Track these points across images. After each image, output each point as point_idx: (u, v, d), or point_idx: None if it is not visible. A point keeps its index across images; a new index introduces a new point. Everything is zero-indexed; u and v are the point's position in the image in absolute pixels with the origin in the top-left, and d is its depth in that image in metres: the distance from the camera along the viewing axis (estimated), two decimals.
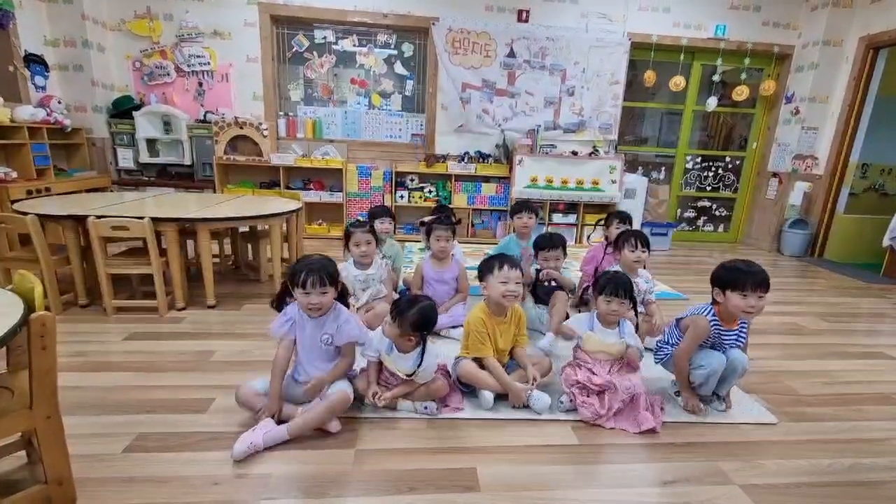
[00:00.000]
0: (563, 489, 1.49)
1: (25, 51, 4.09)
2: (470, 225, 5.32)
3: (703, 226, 6.13)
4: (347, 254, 2.64)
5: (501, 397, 1.92)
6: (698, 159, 5.85)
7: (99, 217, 2.53)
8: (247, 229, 3.57)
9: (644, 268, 2.62)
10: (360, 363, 1.91)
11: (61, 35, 4.34)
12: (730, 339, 1.89)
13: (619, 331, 1.96)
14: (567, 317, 2.50)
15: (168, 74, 4.79)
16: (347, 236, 2.60)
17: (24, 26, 4.06)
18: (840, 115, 4.94)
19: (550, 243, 2.65)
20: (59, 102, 4.25)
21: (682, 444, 1.74)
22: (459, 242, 3.42)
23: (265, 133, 4.73)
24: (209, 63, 4.80)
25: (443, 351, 2.09)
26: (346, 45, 4.99)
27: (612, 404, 1.82)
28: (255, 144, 4.75)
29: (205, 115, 4.83)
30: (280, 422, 1.66)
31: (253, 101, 4.95)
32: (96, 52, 4.46)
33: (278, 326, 1.76)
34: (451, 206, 4.89)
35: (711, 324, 1.84)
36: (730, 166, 5.90)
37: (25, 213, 2.50)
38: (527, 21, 4.96)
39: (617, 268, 2.59)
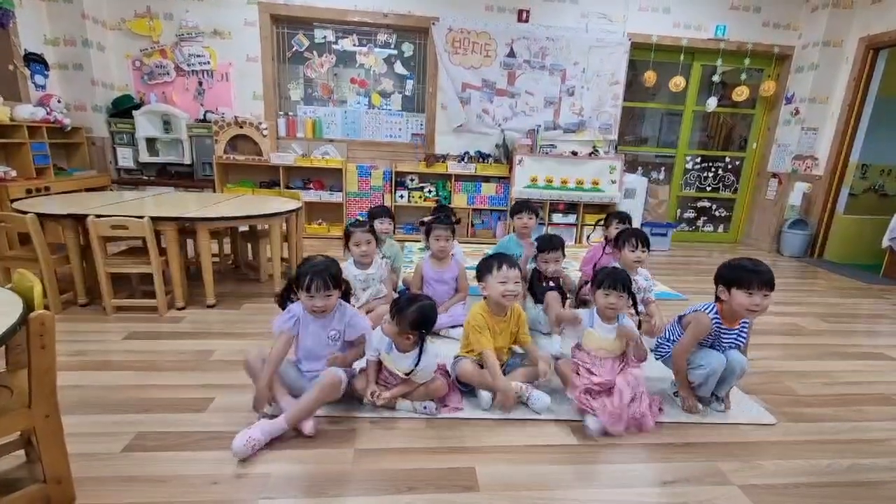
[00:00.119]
0: (562, 489, 1.49)
1: (25, 50, 4.09)
2: (470, 225, 5.32)
3: (703, 226, 6.14)
4: (347, 253, 2.64)
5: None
6: (698, 160, 5.86)
7: (98, 216, 2.53)
8: (246, 229, 3.58)
9: (643, 267, 2.62)
10: (359, 363, 1.92)
11: (61, 34, 4.34)
12: (729, 339, 1.89)
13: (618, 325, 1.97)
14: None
15: (168, 74, 4.79)
16: (347, 236, 2.60)
17: (24, 25, 4.06)
18: (840, 116, 4.94)
19: (551, 245, 2.65)
20: (59, 101, 4.25)
21: (681, 445, 1.74)
22: (459, 242, 3.42)
23: (265, 132, 4.73)
24: (209, 62, 4.80)
25: (442, 351, 2.09)
26: (346, 44, 4.99)
27: (620, 403, 1.81)
28: (255, 144, 4.75)
29: (205, 115, 4.83)
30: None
31: (253, 101, 4.95)
32: (96, 52, 4.46)
33: (282, 323, 1.77)
34: (450, 206, 4.89)
35: (713, 322, 1.83)
36: (729, 167, 5.90)
37: (25, 213, 2.50)
38: (527, 21, 4.97)
39: (616, 265, 2.59)
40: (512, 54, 5.03)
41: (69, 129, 4.28)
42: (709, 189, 5.97)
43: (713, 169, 5.90)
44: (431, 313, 1.77)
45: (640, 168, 5.80)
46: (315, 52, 4.98)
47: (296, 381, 1.79)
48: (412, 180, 5.23)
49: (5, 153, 3.82)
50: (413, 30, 4.99)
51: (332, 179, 5.10)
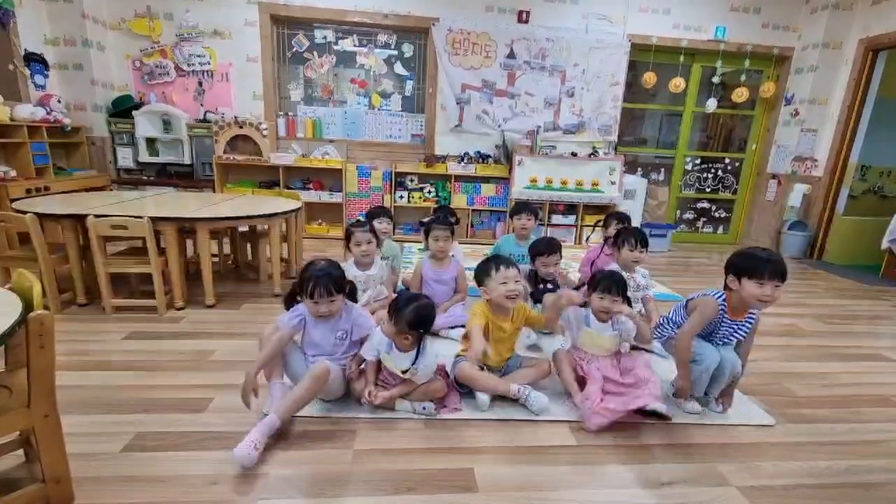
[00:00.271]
0: (560, 490, 1.49)
1: (25, 49, 4.09)
2: (469, 225, 5.32)
3: (703, 227, 6.14)
4: (348, 254, 2.65)
5: (497, 399, 1.92)
6: (698, 161, 5.86)
7: (98, 216, 2.53)
8: (246, 229, 3.58)
9: (641, 266, 2.64)
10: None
11: (61, 34, 4.34)
12: (727, 331, 1.86)
13: (613, 324, 1.99)
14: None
15: (168, 74, 4.79)
16: (348, 236, 2.60)
17: (24, 25, 4.06)
18: (840, 117, 4.95)
19: (549, 249, 2.65)
20: (59, 101, 4.25)
21: (679, 446, 1.75)
22: (459, 243, 3.42)
23: (265, 133, 4.73)
24: (209, 62, 4.80)
25: (441, 351, 2.09)
26: (346, 45, 4.99)
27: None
28: (255, 144, 4.75)
29: (204, 115, 4.83)
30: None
31: (253, 101, 4.95)
32: (96, 51, 4.46)
33: (287, 320, 1.79)
34: (450, 206, 4.89)
35: (720, 307, 1.80)
36: (729, 168, 5.90)
37: (24, 212, 2.50)
38: (527, 22, 4.97)
39: (614, 266, 2.60)
40: (512, 55, 5.04)
41: (69, 128, 4.28)
42: (708, 190, 5.97)
43: (713, 170, 5.90)
44: (429, 313, 1.76)
45: (639, 169, 5.81)
46: (315, 53, 4.98)
47: (299, 366, 1.79)
48: (412, 181, 5.23)
49: (5, 153, 3.82)
50: (413, 30, 4.99)
51: (332, 180, 5.10)
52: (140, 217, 2.54)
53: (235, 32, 4.75)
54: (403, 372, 1.76)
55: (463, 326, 2.24)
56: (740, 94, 5.26)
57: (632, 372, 1.92)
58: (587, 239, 5.12)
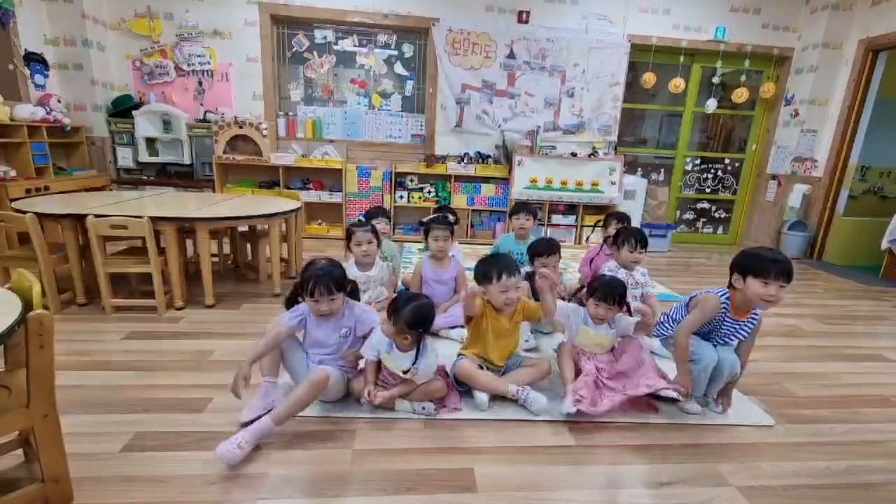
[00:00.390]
0: (559, 490, 1.49)
1: (25, 49, 4.09)
2: (469, 226, 5.32)
3: (703, 227, 6.14)
4: (349, 254, 2.64)
5: (497, 399, 1.92)
6: (698, 161, 5.86)
7: (98, 216, 2.52)
8: (246, 229, 3.57)
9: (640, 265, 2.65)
10: (360, 363, 1.92)
11: (61, 34, 4.34)
12: (729, 331, 1.85)
13: (610, 324, 2.02)
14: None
15: (168, 74, 4.79)
16: (349, 236, 2.60)
17: (24, 25, 4.06)
18: (839, 118, 4.95)
19: (548, 250, 2.65)
20: (59, 101, 4.25)
21: (679, 446, 1.75)
22: (459, 243, 3.42)
23: (265, 133, 4.73)
24: (209, 62, 4.80)
25: (441, 351, 2.09)
26: (346, 45, 4.99)
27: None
28: (255, 144, 4.75)
29: (204, 115, 4.83)
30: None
31: (253, 101, 4.95)
32: (96, 51, 4.46)
33: (287, 319, 1.79)
34: (450, 206, 4.88)
35: (722, 306, 1.79)
36: (729, 168, 5.90)
37: (24, 212, 2.49)
38: (527, 22, 4.97)
39: (612, 264, 2.61)
40: (512, 55, 5.04)
41: (69, 128, 4.28)
42: (708, 190, 5.97)
43: (713, 170, 5.90)
44: (429, 312, 1.76)
45: (639, 169, 5.81)
46: (315, 53, 4.99)
47: (299, 365, 1.79)
48: (412, 181, 5.23)
49: (5, 153, 3.82)
50: (413, 30, 4.99)
51: (332, 180, 5.10)
52: (140, 217, 2.54)
53: (235, 32, 4.75)
54: (404, 372, 1.76)
55: (463, 327, 2.25)
56: (740, 95, 5.26)
57: (623, 356, 1.97)
58: (587, 239, 5.13)
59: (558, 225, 5.26)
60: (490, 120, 5.20)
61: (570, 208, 5.32)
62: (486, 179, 5.24)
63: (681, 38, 5.16)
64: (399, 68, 5.13)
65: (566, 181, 5.12)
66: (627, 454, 1.69)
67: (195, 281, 2.94)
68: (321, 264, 1.76)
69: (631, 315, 2.07)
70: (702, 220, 6.11)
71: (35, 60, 4.17)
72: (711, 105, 5.32)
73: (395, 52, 5.08)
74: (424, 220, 2.90)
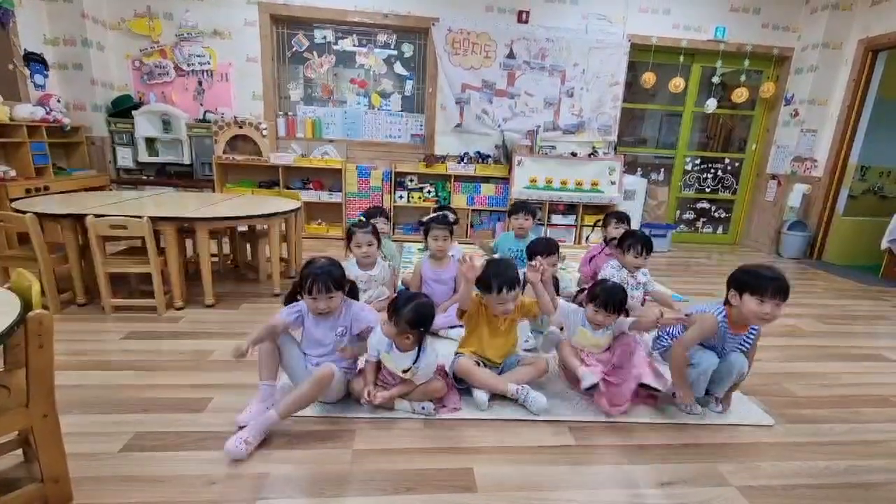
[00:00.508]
0: (559, 490, 1.49)
1: (25, 49, 4.09)
2: (469, 226, 5.32)
3: (703, 227, 6.14)
4: (349, 254, 2.65)
5: (497, 399, 1.92)
6: (697, 161, 5.86)
7: (97, 216, 2.52)
8: (246, 229, 3.57)
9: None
10: (360, 363, 1.92)
11: (61, 34, 4.34)
12: (733, 344, 1.86)
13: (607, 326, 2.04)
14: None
15: (167, 74, 4.79)
16: (349, 237, 2.60)
17: (23, 25, 4.05)
18: (839, 118, 4.95)
19: (547, 250, 2.65)
20: (59, 101, 4.25)
21: (679, 446, 1.75)
22: (459, 243, 3.42)
23: (264, 133, 4.73)
24: (209, 62, 4.80)
25: (441, 351, 2.09)
26: (346, 45, 4.99)
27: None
28: (255, 144, 4.75)
29: (204, 115, 4.83)
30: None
31: (252, 101, 4.95)
32: (96, 51, 4.46)
33: (285, 315, 1.80)
34: (451, 206, 4.88)
35: (720, 324, 1.79)
36: (729, 168, 5.90)
37: (24, 212, 2.49)
38: (527, 22, 4.97)
39: (615, 264, 2.61)
40: (512, 55, 5.04)
41: (69, 128, 4.28)
42: (708, 190, 5.97)
43: (712, 170, 5.90)
44: (429, 311, 1.76)
45: (639, 169, 5.81)
46: (315, 53, 4.98)
47: (297, 365, 1.80)
48: (412, 181, 5.23)
49: (5, 153, 3.82)
50: (413, 30, 4.99)
51: (332, 180, 5.10)
52: (139, 217, 2.54)
53: (235, 32, 4.75)
54: (404, 372, 1.76)
55: (462, 327, 2.24)
56: (740, 95, 5.26)
57: (617, 350, 1.98)
58: (587, 238, 5.13)
59: (558, 225, 5.25)
60: (490, 120, 5.20)
61: (570, 208, 5.32)
62: (486, 179, 5.24)
63: (681, 37, 5.16)
64: (399, 68, 5.12)
65: (566, 181, 5.12)
66: (627, 454, 1.69)
67: (195, 281, 2.94)
68: (320, 263, 1.77)
69: (628, 316, 2.07)
70: (702, 219, 6.11)
71: (35, 60, 4.17)
72: (711, 105, 5.32)
73: (395, 52, 5.08)
74: (424, 219, 2.90)
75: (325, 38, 4.94)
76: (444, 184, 5.22)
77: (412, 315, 1.70)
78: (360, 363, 1.92)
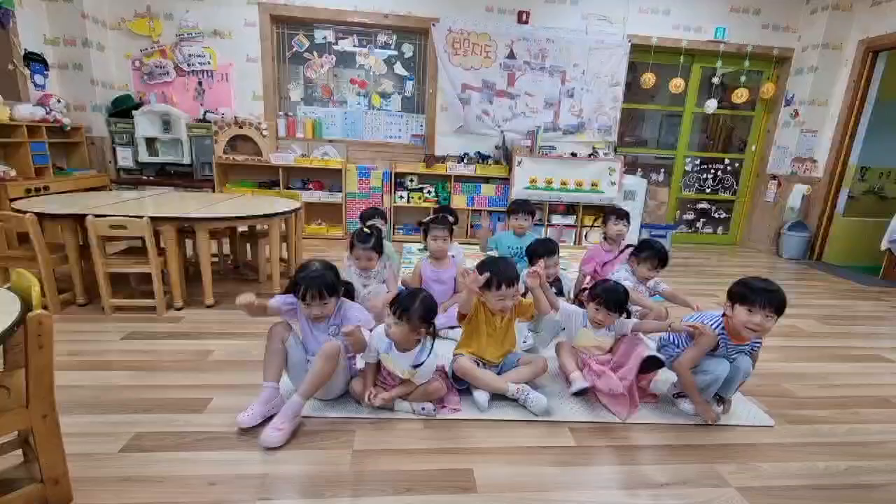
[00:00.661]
0: (559, 490, 1.49)
1: (25, 49, 4.09)
2: (469, 226, 5.32)
3: (703, 228, 6.14)
4: (349, 261, 2.65)
5: (497, 399, 1.92)
6: (697, 161, 5.86)
7: (97, 216, 2.52)
8: (246, 229, 3.57)
9: None
10: (359, 363, 1.92)
11: (61, 34, 4.34)
12: (738, 351, 1.85)
13: (608, 327, 2.03)
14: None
15: (168, 74, 4.79)
16: (351, 246, 2.59)
17: (23, 25, 4.06)
18: (839, 118, 4.95)
19: (547, 250, 2.65)
20: (59, 101, 4.25)
21: (678, 447, 1.75)
22: (459, 243, 3.42)
23: (265, 133, 4.73)
24: (209, 62, 4.80)
25: (441, 351, 2.09)
26: (346, 45, 4.99)
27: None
28: (255, 144, 4.75)
29: (204, 115, 4.83)
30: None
31: (253, 101, 4.95)
32: (96, 51, 4.46)
33: (280, 302, 1.81)
34: (450, 206, 4.89)
35: (719, 337, 1.80)
36: (729, 168, 5.90)
37: (24, 212, 2.49)
38: (527, 22, 4.97)
39: (626, 269, 2.60)
40: (512, 56, 5.04)
41: (68, 128, 4.28)
42: (708, 191, 5.97)
43: (713, 171, 5.90)
44: (433, 303, 1.79)
45: (639, 170, 5.80)
46: (315, 53, 4.98)
47: (298, 364, 1.80)
48: (412, 181, 5.23)
49: (5, 153, 3.82)
50: (413, 31, 4.99)
51: (332, 180, 5.09)
52: (139, 217, 2.54)
53: (235, 32, 4.75)
54: (415, 367, 1.76)
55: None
56: (740, 95, 5.26)
57: (620, 349, 1.98)
58: (585, 236, 5.13)
59: (558, 225, 5.25)
60: (490, 120, 5.20)
61: (570, 208, 5.32)
62: (486, 180, 5.24)
63: (681, 38, 5.16)
64: (399, 68, 5.13)
65: (566, 181, 5.12)
66: (627, 454, 1.69)
67: (195, 281, 2.94)
68: (314, 268, 1.75)
69: (629, 317, 2.07)
70: (702, 220, 6.11)
71: (35, 60, 4.17)
72: (711, 105, 5.31)
73: (395, 53, 5.08)
74: (424, 220, 2.91)
75: (325, 38, 4.95)
76: (444, 184, 5.22)
77: (422, 309, 1.72)
78: (360, 363, 1.91)
